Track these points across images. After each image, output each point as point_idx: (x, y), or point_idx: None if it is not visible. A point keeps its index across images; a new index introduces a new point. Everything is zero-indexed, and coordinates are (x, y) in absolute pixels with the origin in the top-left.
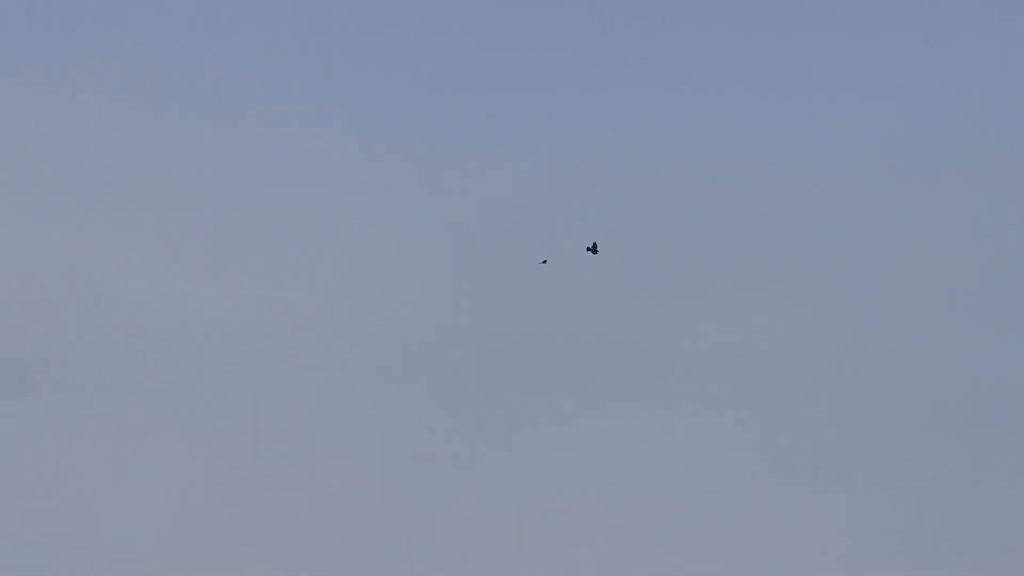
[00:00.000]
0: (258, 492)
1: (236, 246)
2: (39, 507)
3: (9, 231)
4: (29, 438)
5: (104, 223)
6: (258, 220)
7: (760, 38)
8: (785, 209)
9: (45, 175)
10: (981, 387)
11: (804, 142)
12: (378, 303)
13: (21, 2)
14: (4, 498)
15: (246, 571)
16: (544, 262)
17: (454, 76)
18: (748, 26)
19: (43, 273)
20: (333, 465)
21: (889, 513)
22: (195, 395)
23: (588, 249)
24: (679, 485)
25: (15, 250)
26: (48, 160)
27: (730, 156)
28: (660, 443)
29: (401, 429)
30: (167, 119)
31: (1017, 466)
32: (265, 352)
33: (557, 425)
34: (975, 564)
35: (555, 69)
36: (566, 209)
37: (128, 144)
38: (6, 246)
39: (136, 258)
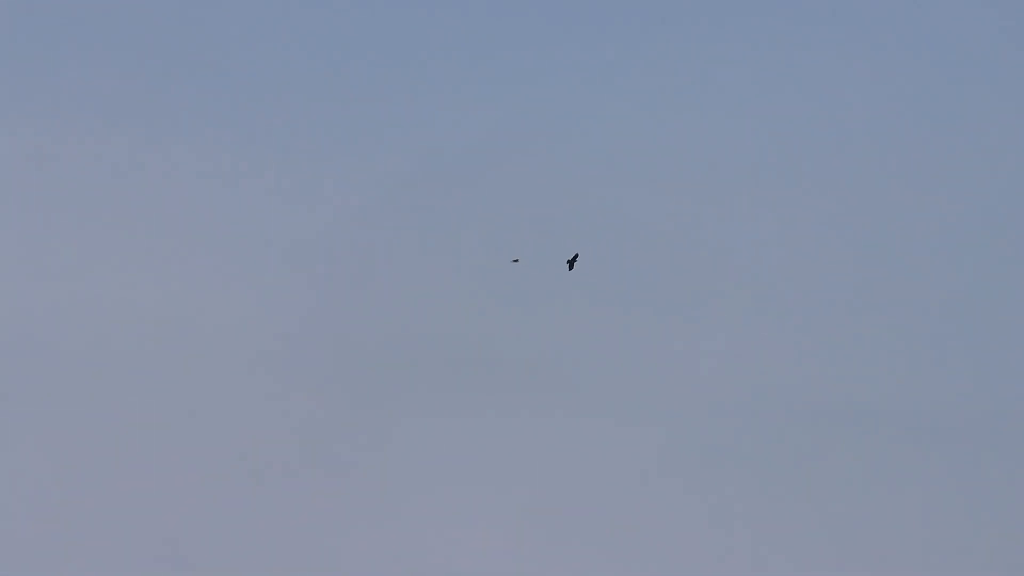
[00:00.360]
0: (124, 497)
1: (98, 252)
2: None
3: None
4: None
5: None
6: (118, 227)
7: (634, 26)
8: (662, 209)
9: None
10: (882, 395)
11: (680, 138)
12: (238, 310)
13: None
14: None
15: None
16: (516, 261)
17: (305, 79)
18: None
19: None
20: (194, 467)
21: (790, 519)
22: (62, 397)
23: (569, 261)
24: (556, 494)
25: None
26: None
27: (595, 157)
28: (535, 450)
29: (261, 435)
30: (28, 119)
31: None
32: (128, 357)
33: (422, 433)
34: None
35: (413, 71)
36: (429, 213)
37: None
38: None
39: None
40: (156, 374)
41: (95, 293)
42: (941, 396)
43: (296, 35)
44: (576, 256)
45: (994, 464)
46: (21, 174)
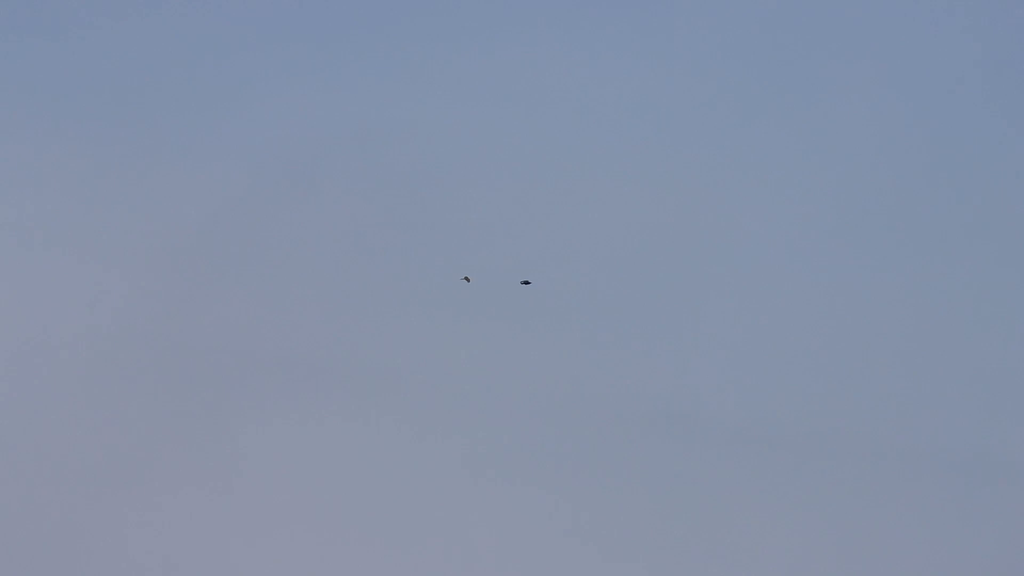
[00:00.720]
0: None
1: None
2: None
3: None
4: None
5: None
6: None
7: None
8: (493, 214)
9: None
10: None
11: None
12: (79, 314)
13: None
14: None
15: None
16: (467, 279)
17: (159, 76)
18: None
19: None
20: (24, 474)
21: (598, 517)
22: None
23: (523, 282)
24: (375, 500)
25: None
26: None
27: (442, 162)
28: (358, 454)
29: (97, 441)
30: None
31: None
32: None
33: (262, 438)
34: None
35: (267, 67)
36: (274, 217)
37: None
38: None
39: None
40: None
41: None
42: (763, 404)
43: (145, 31)
44: (527, 282)
45: (827, 473)
46: None
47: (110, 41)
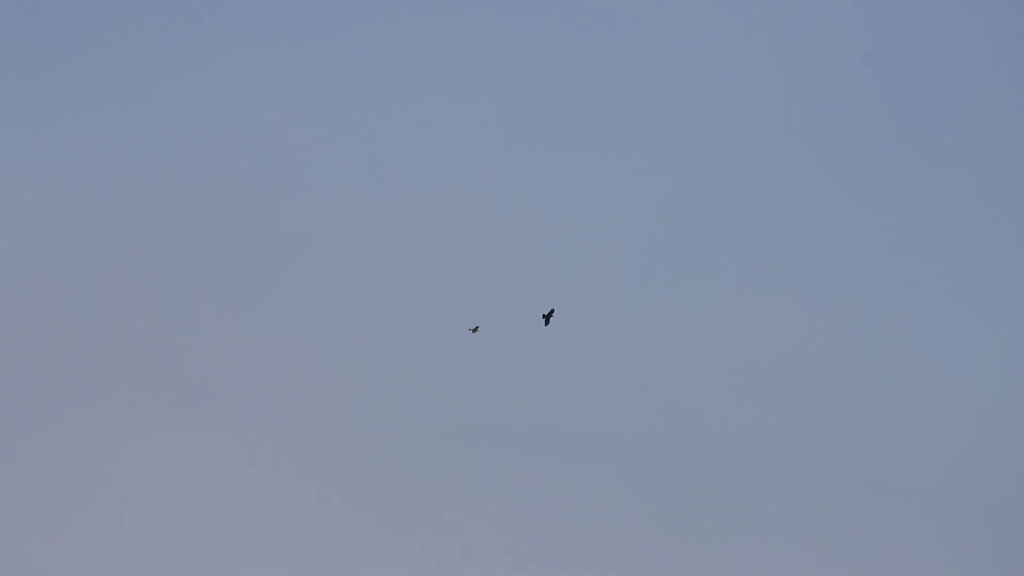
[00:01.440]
0: None
1: None
2: None
3: None
4: None
5: None
6: None
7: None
8: (318, 228)
9: None
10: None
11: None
12: None
13: None
14: None
15: None
16: (475, 329)
17: None
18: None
19: None
20: None
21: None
22: None
23: (545, 316)
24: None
25: None
26: None
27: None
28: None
29: None
30: None
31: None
32: None
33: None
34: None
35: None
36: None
37: None
38: None
39: None
40: None
41: None
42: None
43: None
44: (551, 312)
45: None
46: None
47: None
